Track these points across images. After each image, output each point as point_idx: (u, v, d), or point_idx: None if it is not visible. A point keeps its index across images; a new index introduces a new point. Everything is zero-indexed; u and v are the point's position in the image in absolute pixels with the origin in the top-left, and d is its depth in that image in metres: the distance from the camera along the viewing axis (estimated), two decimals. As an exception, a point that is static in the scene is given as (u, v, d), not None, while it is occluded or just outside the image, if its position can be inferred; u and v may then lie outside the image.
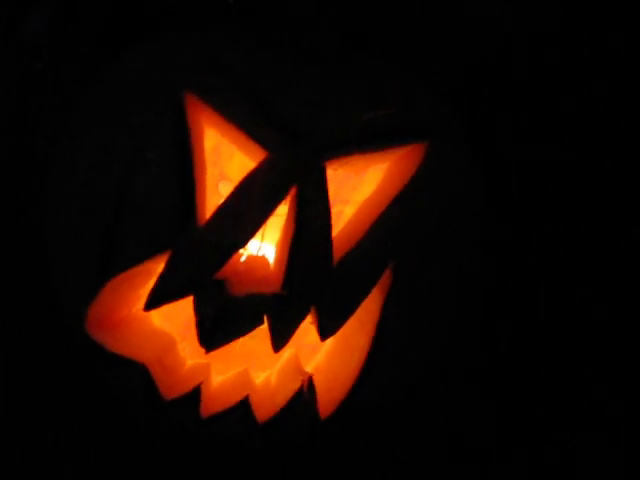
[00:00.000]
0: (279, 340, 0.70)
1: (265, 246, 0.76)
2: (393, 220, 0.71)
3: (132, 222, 0.70)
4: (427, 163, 0.72)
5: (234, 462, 0.86)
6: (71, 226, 0.73)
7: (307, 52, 0.76)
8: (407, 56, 0.88)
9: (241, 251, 0.71)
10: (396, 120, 0.72)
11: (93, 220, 0.71)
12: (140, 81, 0.73)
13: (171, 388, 0.75)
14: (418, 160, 0.72)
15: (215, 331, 0.70)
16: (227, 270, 0.69)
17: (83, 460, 0.85)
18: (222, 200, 0.70)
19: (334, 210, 0.70)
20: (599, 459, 0.92)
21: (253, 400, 0.75)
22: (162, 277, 0.69)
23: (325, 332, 0.71)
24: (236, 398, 0.76)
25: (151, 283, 0.70)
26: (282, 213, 0.70)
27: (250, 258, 0.75)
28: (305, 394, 0.75)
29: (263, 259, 0.75)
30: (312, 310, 0.71)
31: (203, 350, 0.71)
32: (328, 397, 0.76)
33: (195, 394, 0.75)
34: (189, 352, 0.78)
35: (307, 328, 0.72)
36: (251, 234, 0.69)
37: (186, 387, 0.75)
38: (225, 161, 0.75)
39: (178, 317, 0.77)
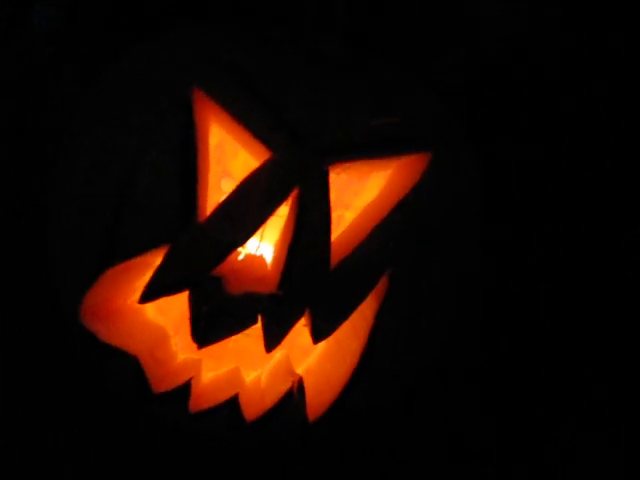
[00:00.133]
0: (272, 340, 0.71)
1: (263, 246, 0.77)
2: (393, 228, 0.72)
3: (134, 214, 0.70)
4: (430, 173, 0.72)
5: (226, 460, 0.86)
6: (73, 214, 0.73)
7: (317, 56, 0.76)
8: (414, 65, 0.88)
9: (239, 249, 0.71)
10: (401, 128, 0.72)
11: (95, 210, 0.71)
12: (148, 75, 0.73)
13: (161, 381, 0.76)
14: (421, 169, 0.72)
15: (209, 327, 0.70)
16: (224, 267, 0.70)
17: (82, 459, 0.85)
18: (224, 197, 0.71)
19: (335, 214, 0.71)
20: (599, 459, 0.92)
21: (242, 398, 0.76)
22: (159, 270, 0.69)
23: (318, 335, 0.71)
24: (226, 395, 0.76)
25: (148, 276, 0.70)
26: (282, 214, 0.71)
27: (248, 257, 0.75)
28: (295, 396, 0.75)
29: (261, 259, 0.75)
30: (306, 312, 0.71)
31: (195, 345, 0.72)
32: (318, 400, 0.76)
33: (185, 389, 0.75)
34: (181, 347, 0.78)
35: (300, 330, 0.72)
36: (251, 233, 0.69)
37: (176, 381, 0.76)
38: (229, 158, 0.75)
39: (172, 311, 0.77)
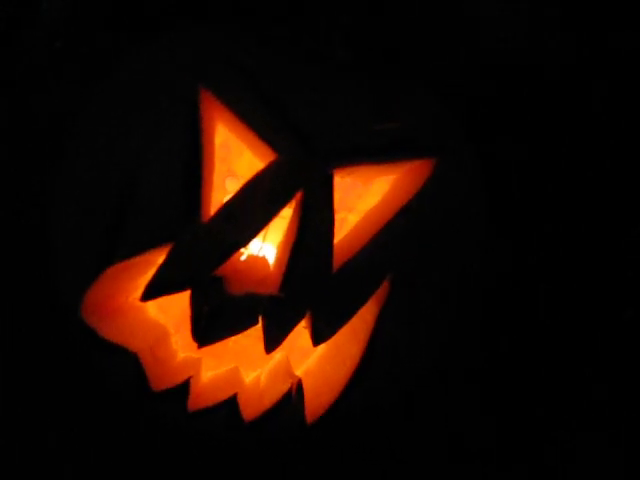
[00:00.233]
0: (272, 341, 0.71)
1: (266, 247, 0.77)
2: (396, 232, 0.72)
3: (137, 211, 0.70)
4: (434, 179, 0.72)
5: (225, 460, 0.87)
6: (77, 210, 0.74)
7: (325, 60, 0.76)
8: (415, 66, 0.88)
9: (242, 250, 0.71)
10: (407, 133, 0.73)
11: (99, 206, 0.72)
12: (154, 74, 0.74)
13: (161, 379, 0.76)
14: (426, 175, 0.72)
15: (209, 327, 0.71)
16: (227, 268, 0.70)
17: (82, 459, 0.86)
18: (228, 196, 0.71)
19: (338, 216, 0.71)
20: (599, 459, 0.92)
21: (241, 398, 0.76)
22: (162, 269, 0.70)
23: (318, 338, 0.71)
24: (224, 395, 0.76)
25: (150, 274, 0.70)
26: (286, 215, 0.71)
27: (250, 258, 0.75)
28: (293, 397, 0.75)
29: (263, 260, 0.75)
30: (307, 315, 0.71)
31: (195, 344, 0.72)
32: (316, 402, 0.76)
33: (184, 387, 0.75)
34: (181, 345, 0.78)
35: (300, 332, 0.73)
36: (254, 234, 0.69)
37: (176, 380, 0.76)
38: (234, 158, 0.75)
39: (173, 309, 0.77)
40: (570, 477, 0.91)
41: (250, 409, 0.76)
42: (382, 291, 0.72)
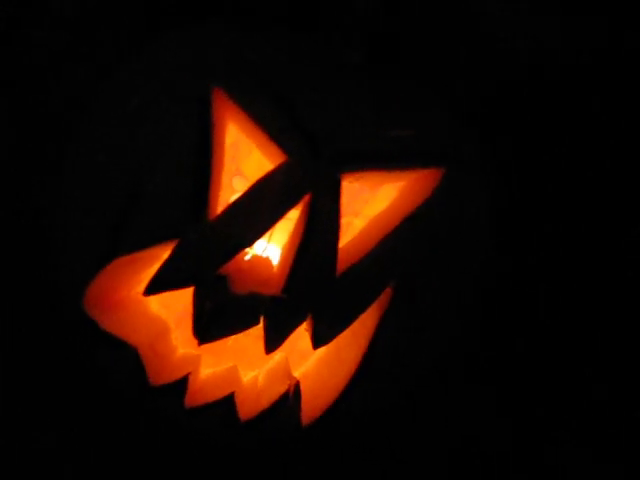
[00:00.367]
0: (272, 342, 0.71)
1: (271, 247, 0.77)
2: (401, 240, 0.72)
3: (145, 206, 0.70)
4: (442, 188, 0.72)
5: (223, 459, 0.87)
6: (85, 201, 0.74)
7: (338, 64, 0.76)
8: (436, 82, 0.88)
9: (247, 250, 0.72)
10: (417, 142, 0.73)
11: (107, 198, 0.72)
12: (167, 71, 0.73)
13: (159, 374, 0.76)
14: (434, 184, 0.72)
15: (211, 325, 0.71)
16: (231, 267, 0.70)
17: (82, 459, 0.86)
18: (234, 195, 0.71)
19: (343, 221, 0.71)
20: (599, 459, 0.93)
21: (238, 397, 0.76)
22: (166, 264, 0.70)
23: (318, 341, 0.72)
24: (222, 393, 0.76)
25: (154, 269, 0.70)
26: (292, 217, 0.71)
27: (255, 258, 0.75)
28: (290, 398, 0.75)
29: (267, 260, 0.76)
30: (309, 317, 0.71)
31: (196, 341, 0.72)
32: (312, 404, 0.76)
33: (182, 383, 0.76)
34: (181, 341, 0.78)
35: (301, 334, 0.73)
36: (259, 235, 0.69)
37: (174, 375, 0.76)
38: (243, 157, 0.75)
39: (175, 305, 0.77)
40: (570, 477, 0.92)
41: (247, 408, 0.76)
42: (384, 297, 0.72)
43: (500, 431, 0.94)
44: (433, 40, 0.93)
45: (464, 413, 0.94)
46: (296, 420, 0.76)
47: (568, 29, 0.94)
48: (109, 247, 0.71)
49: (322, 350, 0.75)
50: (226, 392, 0.76)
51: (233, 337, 0.74)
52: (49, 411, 0.88)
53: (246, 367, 0.78)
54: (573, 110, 0.97)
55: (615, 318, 0.99)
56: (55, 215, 0.79)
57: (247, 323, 0.71)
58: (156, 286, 0.70)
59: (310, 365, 0.77)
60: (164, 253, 0.70)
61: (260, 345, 0.71)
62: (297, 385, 0.75)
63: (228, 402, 0.75)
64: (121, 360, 0.76)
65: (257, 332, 0.72)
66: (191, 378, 0.76)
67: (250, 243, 0.70)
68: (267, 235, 0.72)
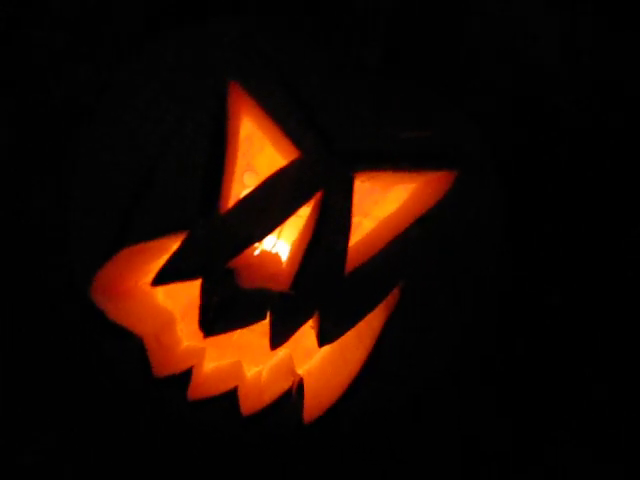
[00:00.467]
0: (278, 338, 0.71)
1: (280, 244, 0.77)
2: (410, 242, 0.72)
3: (156, 196, 0.70)
4: (454, 192, 0.72)
5: (226, 454, 0.87)
6: (97, 189, 0.74)
7: (357, 65, 0.77)
8: (451, 85, 0.88)
9: (256, 245, 0.72)
10: (431, 144, 0.73)
11: (120, 188, 0.72)
12: (185, 62, 0.73)
13: (163, 365, 0.76)
14: (446, 187, 0.72)
15: (217, 318, 0.71)
16: (239, 261, 0.70)
17: (82, 458, 0.86)
18: (245, 190, 0.71)
19: (353, 220, 0.71)
20: (599, 459, 0.92)
21: (241, 392, 0.76)
22: (175, 256, 0.70)
23: (324, 339, 0.72)
24: (225, 387, 0.76)
25: (162, 260, 0.70)
26: (303, 214, 0.71)
27: (264, 253, 0.76)
28: (293, 395, 0.75)
29: (276, 256, 0.76)
30: (315, 315, 0.71)
31: (201, 334, 0.72)
32: (315, 402, 0.76)
33: (185, 376, 0.76)
34: (187, 333, 0.78)
35: (306, 331, 0.73)
36: (270, 230, 0.69)
37: (178, 367, 0.76)
38: (255, 152, 0.75)
39: (182, 297, 0.77)
40: (570, 477, 0.92)
41: (249, 403, 0.76)
42: (392, 298, 0.72)
43: (500, 431, 0.94)
44: (449, 42, 0.93)
45: (464, 413, 0.94)
46: (298, 417, 0.76)
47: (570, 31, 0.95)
48: (119, 236, 0.71)
49: (327, 348, 0.75)
50: (229, 386, 0.76)
51: (238, 332, 0.74)
52: (49, 411, 0.88)
53: (250, 362, 0.78)
54: (573, 109, 0.97)
55: (615, 318, 0.99)
56: (67, 204, 0.78)
57: (253, 318, 0.71)
58: (164, 277, 0.70)
59: (314, 363, 0.77)
60: (173, 244, 0.70)
61: (265, 341, 0.71)
62: (300, 382, 0.75)
63: (231, 396, 0.75)
64: (126, 350, 0.76)
65: (262, 328, 0.72)
66: (195, 371, 0.76)
67: (260, 238, 0.70)
68: (277, 231, 0.72)
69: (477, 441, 0.93)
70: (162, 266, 0.70)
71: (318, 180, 0.69)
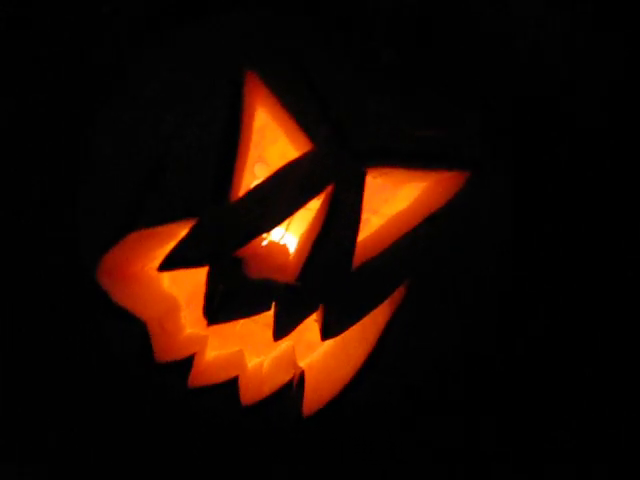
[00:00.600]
0: (281, 330, 0.71)
1: (288, 236, 0.77)
2: (418, 240, 0.72)
3: (167, 182, 0.70)
4: (465, 193, 0.72)
5: (222, 448, 0.88)
6: (109, 173, 0.74)
7: (375, 61, 0.76)
8: (467, 86, 0.88)
9: (264, 235, 0.72)
10: (444, 144, 0.73)
11: (131, 172, 0.72)
12: (205, 49, 0.74)
13: (165, 351, 0.76)
14: (457, 188, 0.72)
15: (222, 306, 0.70)
16: (247, 250, 0.70)
17: (82, 458, 0.87)
18: (256, 181, 0.71)
19: (362, 217, 0.71)
20: (599, 459, 0.92)
21: (242, 382, 0.76)
22: (183, 242, 0.70)
23: (328, 333, 0.72)
24: (226, 376, 0.76)
25: (170, 246, 0.71)
26: (313, 207, 0.71)
27: (271, 244, 0.75)
28: (294, 388, 0.75)
29: (284, 248, 0.76)
30: (320, 308, 0.71)
31: (205, 322, 0.72)
32: (315, 396, 0.76)
33: (187, 363, 0.76)
34: (190, 320, 0.78)
35: (310, 325, 0.73)
36: (279, 221, 0.69)
37: (180, 354, 0.76)
38: (267, 144, 0.75)
39: (188, 284, 0.77)
40: (570, 477, 0.92)
41: (249, 393, 0.76)
42: (397, 295, 0.72)
43: (500, 431, 0.93)
44: (466, 42, 0.93)
45: (464, 413, 0.94)
46: (297, 410, 0.76)
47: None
48: (129, 220, 0.71)
49: (330, 342, 0.75)
50: (230, 375, 0.76)
51: (241, 322, 0.74)
52: (49, 411, 0.88)
53: (252, 353, 0.79)
54: (573, 110, 0.97)
55: (615, 318, 0.98)
56: (80, 183, 0.79)
57: (258, 308, 0.71)
58: (171, 262, 0.70)
59: (316, 357, 0.77)
60: (182, 231, 0.70)
61: (268, 332, 0.71)
62: (302, 375, 0.76)
63: (231, 385, 0.75)
64: (129, 334, 0.76)
65: (266, 319, 0.72)
66: (197, 358, 0.76)
67: (269, 228, 0.70)
68: (286, 223, 0.73)
69: (477, 441, 0.92)
70: (169, 252, 0.70)
71: (330, 174, 0.69)
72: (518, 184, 0.82)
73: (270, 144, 0.76)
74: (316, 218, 0.71)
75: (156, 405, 0.87)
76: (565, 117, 0.95)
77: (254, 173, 0.75)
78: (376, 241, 0.72)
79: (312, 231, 0.71)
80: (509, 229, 0.79)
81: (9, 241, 0.94)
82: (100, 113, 0.78)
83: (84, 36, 0.96)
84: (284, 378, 0.76)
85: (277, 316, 0.70)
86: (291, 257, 0.73)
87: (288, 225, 0.76)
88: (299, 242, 0.74)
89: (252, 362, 0.78)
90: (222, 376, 0.76)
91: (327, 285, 0.70)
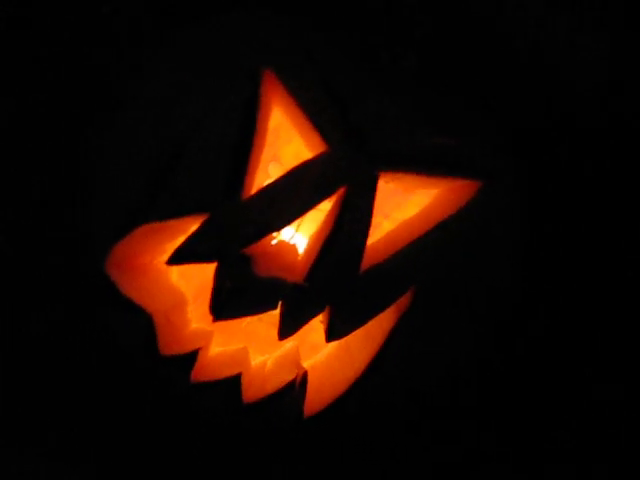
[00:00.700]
0: (286, 329, 0.71)
1: (298, 236, 0.77)
2: (427, 247, 0.72)
3: (180, 176, 0.70)
4: (476, 202, 0.72)
5: (222, 447, 0.88)
6: (122, 164, 0.74)
7: (391, 67, 0.77)
8: (485, 96, 0.88)
9: (275, 234, 0.72)
10: (460, 152, 0.73)
11: (145, 164, 0.72)
12: (224, 45, 0.74)
13: (170, 345, 0.76)
14: (469, 196, 0.72)
15: (229, 303, 0.71)
16: (257, 248, 0.70)
17: (82, 458, 0.87)
18: (268, 180, 0.71)
19: (373, 220, 0.71)
20: (599, 459, 0.92)
21: (244, 379, 0.76)
22: (193, 236, 0.70)
23: (332, 334, 0.72)
24: (229, 372, 0.76)
25: (180, 240, 0.71)
26: (324, 208, 0.71)
27: (281, 243, 0.75)
28: (296, 388, 0.75)
29: (293, 247, 0.76)
30: (326, 309, 0.71)
31: (210, 318, 0.72)
32: (317, 397, 0.76)
33: (191, 357, 0.76)
34: (196, 315, 0.78)
35: (315, 326, 0.73)
36: (290, 220, 0.69)
37: (184, 348, 0.76)
38: (282, 144, 0.75)
39: (196, 279, 0.77)
40: (570, 477, 0.92)
41: (251, 391, 0.76)
42: (404, 300, 0.72)
43: (500, 431, 0.93)
44: (485, 52, 0.93)
45: (464, 413, 0.94)
46: (299, 410, 0.76)
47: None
48: (140, 212, 0.71)
49: (334, 344, 0.75)
50: (233, 372, 0.76)
51: (247, 320, 0.75)
52: (49, 411, 0.88)
53: (256, 351, 0.79)
54: (573, 110, 0.97)
55: (615, 318, 0.98)
56: (93, 173, 0.79)
57: (265, 306, 0.71)
58: (180, 256, 0.70)
59: (320, 358, 0.78)
60: (192, 225, 0.70)
61: (273, 331, 0.72)
62: (304, 375, 0.76)
63: (234, 382, 0.75)
64: (135, 326, 0.76)
65: (271, 318, 0.72)
66: (201, 353, 0.76)
67: (279, 227, 0.70)
68: (296, 223, 0.73)
69: (477, 441, 0.92)
70: (179, 246, 0.70)
71: (342, 176, 0.69)
72: (532, 196, 0.82)
73: (285, 144, 0.76)
74: (327, 219, 0.71)
75: (156, 405, 0.87)
76: (565, 117, 0.95)
77: (267, 172, 0.75)
78: (386, 245, 0.72)
79: (322, 232, 0.71)
80: (521, 239, 0.79)
81: (9, 241, 0.95)
82: (118, 111, 0.78)
83: (84, 36, 0.97)
84: (287, 378, 0.76)
85: (283, 315, 0.71)
86: (300, 257, 0.73)
87: (299, 225, 0.77)
88: (309, 242, 0.74)
89: (256, 360, 0.78)
90: (225, 372, 0.76)
91: (334, 287, 0.70)
